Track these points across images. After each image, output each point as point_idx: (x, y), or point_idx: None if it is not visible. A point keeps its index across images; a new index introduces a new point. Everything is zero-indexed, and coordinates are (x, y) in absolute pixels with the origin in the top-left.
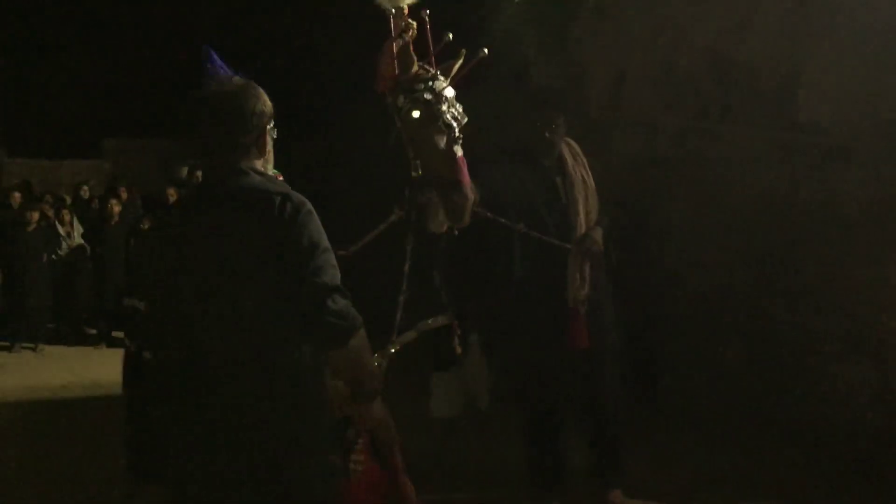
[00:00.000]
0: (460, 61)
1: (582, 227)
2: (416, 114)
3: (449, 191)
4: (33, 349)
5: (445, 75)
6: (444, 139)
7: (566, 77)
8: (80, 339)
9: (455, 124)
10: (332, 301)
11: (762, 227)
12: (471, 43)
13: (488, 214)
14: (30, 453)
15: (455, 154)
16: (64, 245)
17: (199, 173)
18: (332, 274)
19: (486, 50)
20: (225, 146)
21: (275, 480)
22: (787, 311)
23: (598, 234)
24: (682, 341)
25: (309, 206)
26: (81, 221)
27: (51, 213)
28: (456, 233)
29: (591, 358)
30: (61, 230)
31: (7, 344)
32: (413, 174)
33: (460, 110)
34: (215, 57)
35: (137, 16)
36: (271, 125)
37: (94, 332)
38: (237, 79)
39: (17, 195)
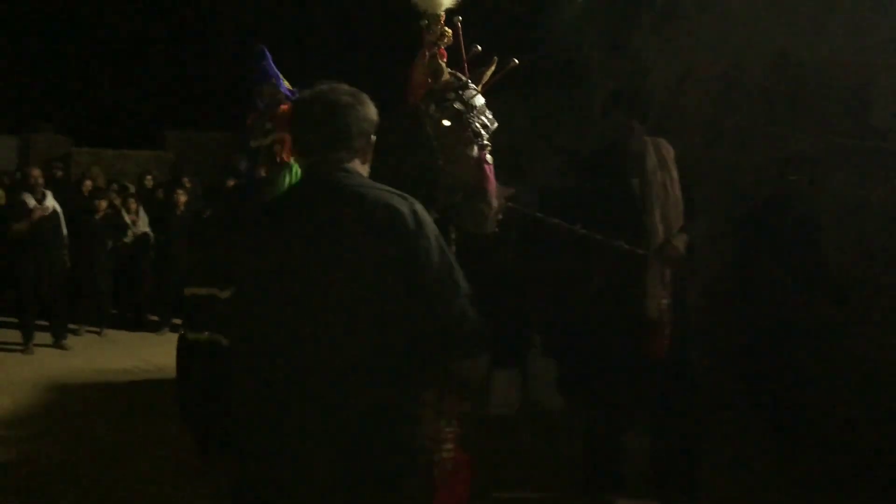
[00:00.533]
0: (492, 68)
1: (659, 232)
2: (446, 122)
3: (474, 198)
4: (98, 333)
5: (477, 82)
6: (474, 147)
7: (627, 77)
8: (142, 325)
9: (484, 133)
10: (467, 310)
11: (832, 232)
12: (530, 46)
13: (538, 215)
14: (97, 432)
15: (483, 162)
16: (129, 233)
17: (264, 168)
18: (468, 295)
19: (516, 60)
20: (337, 147)
21: (365, 477)
22: (857, 320)
23: (680, 241)
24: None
25: (427, 212)
26: (146, 210)
27: (118, 201)
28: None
29: (667, 369)
30: (127, 218)
31: (74, 327)
32: (443, 180)
33: (490, 117)
34: (269, 59)
35: (198, 12)
36: (372, 139)
37: (155, 318)
38: (346, 86)
39: (88, 183)
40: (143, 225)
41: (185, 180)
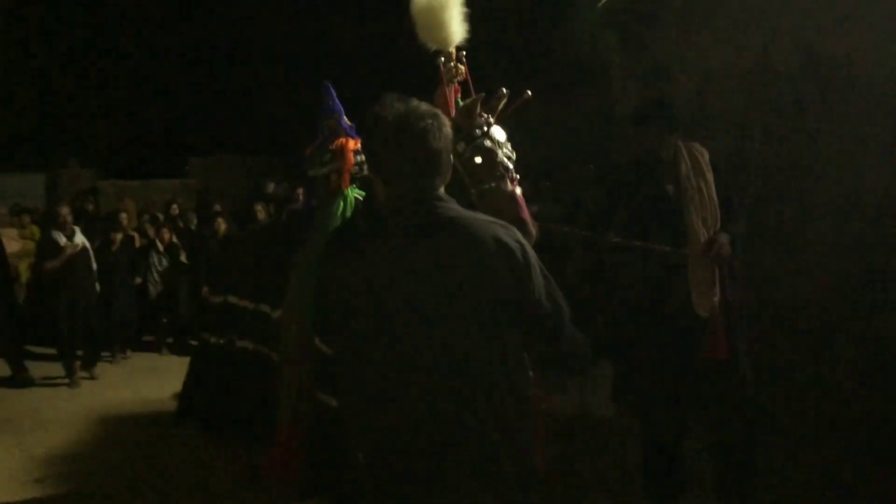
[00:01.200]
0: (504, 101)
1: (700, 234)
2: (478, 160)
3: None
4: (122, 356)
5: (491, 114)
6: (507, 181)
7: (649, 74)
8: (185, 350)
9: (511, 166)
10: (578, 335)
11: (864, 230)
12: (549, 51)
13: (564, 229)
14: (148, 463)
15: (516, 194)
16: (163, 261)
17: (282, 188)
18: (567, 305)
19: (529, 92)
20: (430, 173)
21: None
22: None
23: (724, 238)
24: (788, 346)
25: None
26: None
27: (151, 231)
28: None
29: (721, 369)
30: (161, 247)
31: (107, 354)
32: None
33: (510, 149)
34: (333, 94)
35: (219, 40)
36: (451, 161)
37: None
38: (425, 105)
39: (124, 216)
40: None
41: (217, 206)
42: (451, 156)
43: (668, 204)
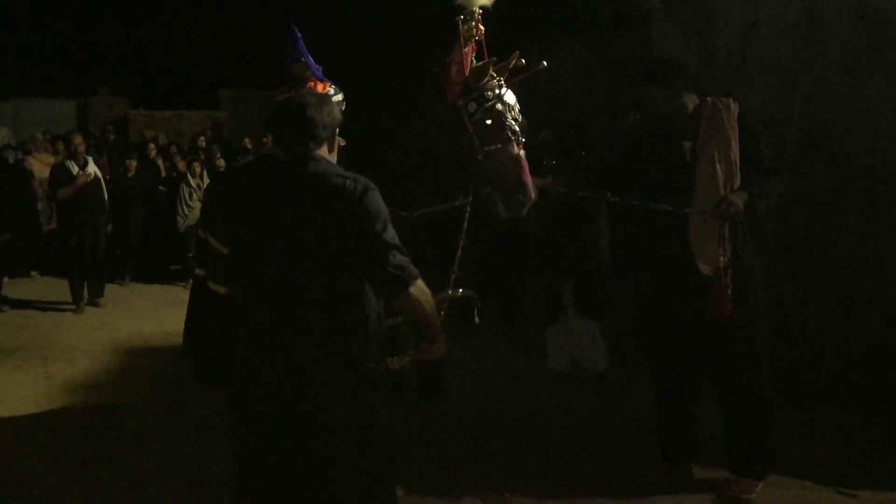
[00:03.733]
0: (514, 61)
1: (706, 191)
2: (488, 122)
3: (514, 191)
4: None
5: (501, 74)
6: (514, 145)
7: (691, 23)
8: None
9: (519, 129)
10: (392, 256)
11: None
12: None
13: (561, 189)
14: (166, 393)
15: (521, 157)
16: (193, 195)
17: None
18: (394, 235)
19: (545, 63)
20: (303, 141)
21: (333, 399)
22: None
23: (738, 197)
24: (823, 313)
25: (371, 184)
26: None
27: (181, 165)
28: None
29: (731, 330)
30: (192, 181)
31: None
32: (480, 172)
33: (519, 112)
34: (300, 38)
35: None
36: (336, 131)
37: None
38: (316, 92)
39: (152, 146)
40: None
41: (246, 141)
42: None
43: (684, 161)
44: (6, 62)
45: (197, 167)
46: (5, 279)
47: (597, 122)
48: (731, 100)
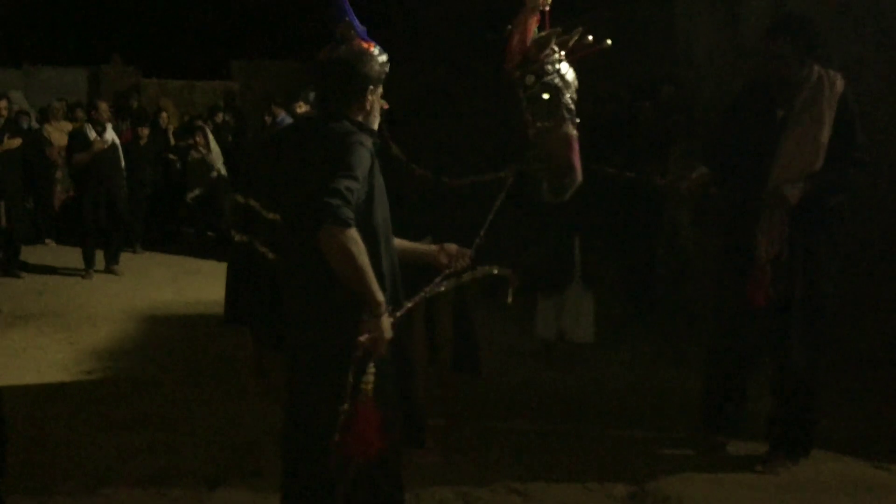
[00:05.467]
0: (576, 37)
1: (793, 171)
2: (545, 96)
3: (561, 173)
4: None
5: (561, 47)
6: (568, 125)
7: None
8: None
9: (574, 109)
10: (329, 195)
11: None
12: None
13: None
14: (184, 358)
15: (573, 138)
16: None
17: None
18: (348, 186)
19: (609, 41)
20: (335, 99)
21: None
22: None
23: (793, 189)
24: (858, 288)
25: (365, 141)
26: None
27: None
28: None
29: (777, 318)
30: (199, 150)
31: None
32: (528, 148)
33: (576, 90)
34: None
35: None
36: (373, 87)
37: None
38: (356, 45)
39: (164, 115)
40: (217, 159)
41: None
42: (368, 92)
43: (773, 130)
44: (17, 30)
45: (200, 138)
46: (20, 247)
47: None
48: (839, 75)
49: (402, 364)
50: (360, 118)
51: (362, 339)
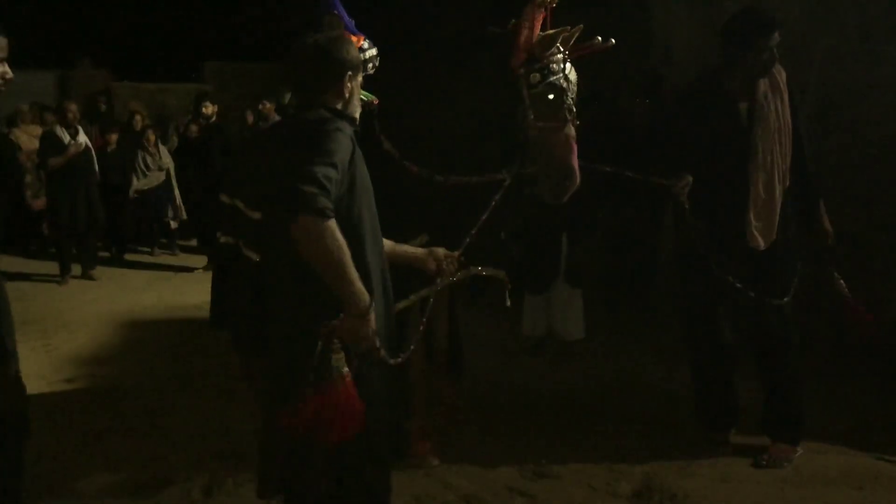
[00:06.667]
0: (577, 34)
1: (767, 161)
2: (550, 97)
3: (561, 175)
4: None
5: (564, 46)
6: (569, 126)
7: None
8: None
9: (575, 110)
10: (303, 181)
11: None
12: None
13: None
14: (164, 364)
15: (574, 140)
16: (149, 161)
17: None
18: (322, 173)
19: (612, 40)
20: (310, 87)
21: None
22: None
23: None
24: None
25: (345, 128)
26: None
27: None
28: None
29: (762, 304)
30: (149, 148)
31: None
32: (528, 148)
33: (575, 92)
34: None
35: None
36: (351, 73)
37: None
38: (333, 33)
39: (138, 118)
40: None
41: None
42: (346, 79)
43: (739, 124)
44: None
45: (152, 135)
46: None
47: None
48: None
49: (398, 373)
50: (338, 106)
51: (334, 322)
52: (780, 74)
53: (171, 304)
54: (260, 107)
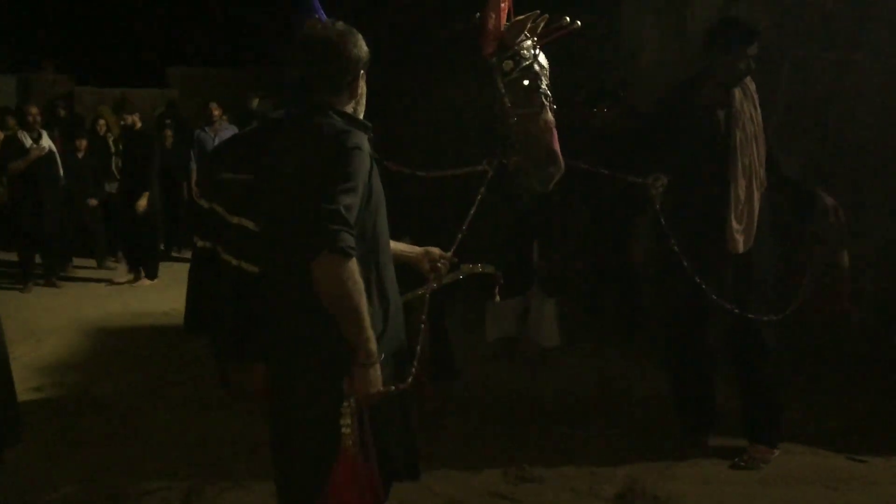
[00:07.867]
0: (543, 22)
1: (745, 166)
2: (525, 83)
3: (544, 161)
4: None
5: (532, 34)
6: (547, 111)
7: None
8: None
9: (550, 94)
10: (327, 218)
11: (890, 164)
12: None
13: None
14: (136, 372)
15: (553, 124)
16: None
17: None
18: (345, 204)
19: (579, 22)
20: (319, 86)
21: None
22: None
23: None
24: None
25: (362, 143)
26: None
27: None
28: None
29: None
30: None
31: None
32: (508, 137)
33: (548, 77)
34: None
35: None
36: (363, 71)
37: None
38: (339, 24)
39: (102, 122)
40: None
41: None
42: (360, 77)
43: (717, 131)
44: None
45: (81, 142)
46: None
47: None
48: None
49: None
50: (349, 108)
51: (347, 389)
52: (751, 84)
53: (138, 311)
54: (206, 110)
